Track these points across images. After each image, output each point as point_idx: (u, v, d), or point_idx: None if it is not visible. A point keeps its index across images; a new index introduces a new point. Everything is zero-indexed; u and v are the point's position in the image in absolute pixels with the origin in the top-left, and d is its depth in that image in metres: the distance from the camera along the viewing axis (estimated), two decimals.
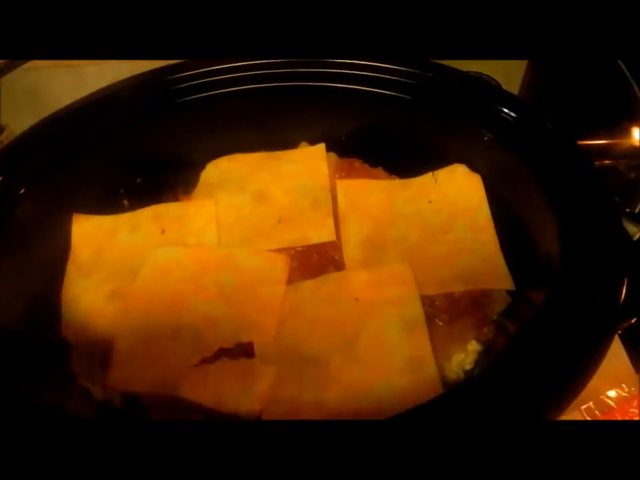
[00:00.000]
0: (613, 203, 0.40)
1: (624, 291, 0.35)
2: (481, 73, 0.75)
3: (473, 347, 0.41)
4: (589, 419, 0.43)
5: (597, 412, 0.46)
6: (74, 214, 0.52)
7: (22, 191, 0.48)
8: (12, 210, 0.47)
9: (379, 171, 0.55)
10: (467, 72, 0.74)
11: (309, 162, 0.56)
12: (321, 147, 0.57)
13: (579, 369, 0.32)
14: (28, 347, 0.41)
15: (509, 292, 0.43)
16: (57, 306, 0.47)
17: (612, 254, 0.37)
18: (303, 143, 0.59)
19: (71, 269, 0.50)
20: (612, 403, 0.47)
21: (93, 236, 0.52)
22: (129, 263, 0.49)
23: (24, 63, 0.72)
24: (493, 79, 0.73)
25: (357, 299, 0.43)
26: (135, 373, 0.42)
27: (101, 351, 0.44)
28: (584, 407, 0.45)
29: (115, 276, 0.49)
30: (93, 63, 0.88)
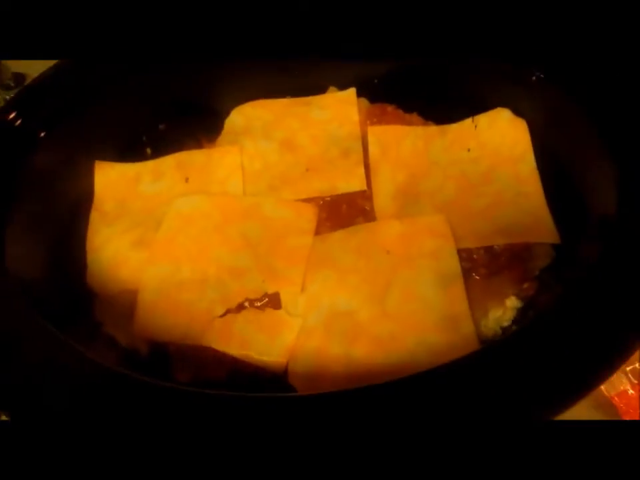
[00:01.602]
0: None
1: None
2: None
3: (512, 302, 0.39)
4: (635, 381, 0.40)
5: None
6: (96, 161, 0.51)
7: (42, 134, 0.46)
8: (32, 153, 0.45)
9: (414, 116, 0.51)
10: None
11: (339, 108, 0.53)
12: (352, 91, 0.53)
13: (629, 335, 0.29)
14: (52, 293, 0.41)
15: (553, 247, 0.40)
16: (80, 253, 0.46)
17: None
18: (332, 88, 0.56)
19: (95, 217, 0.49)
20: None
21: (116, 184, 0.51)
22: (153, 212, 0.48)
23: None
24: None
25: (388, 251, 0.41)
26: (159, 322, 0.41)
27: (125, 299, 0.43)
28: (629, 368, 0.43)
29: (139, 225, 0.47)
30: None
